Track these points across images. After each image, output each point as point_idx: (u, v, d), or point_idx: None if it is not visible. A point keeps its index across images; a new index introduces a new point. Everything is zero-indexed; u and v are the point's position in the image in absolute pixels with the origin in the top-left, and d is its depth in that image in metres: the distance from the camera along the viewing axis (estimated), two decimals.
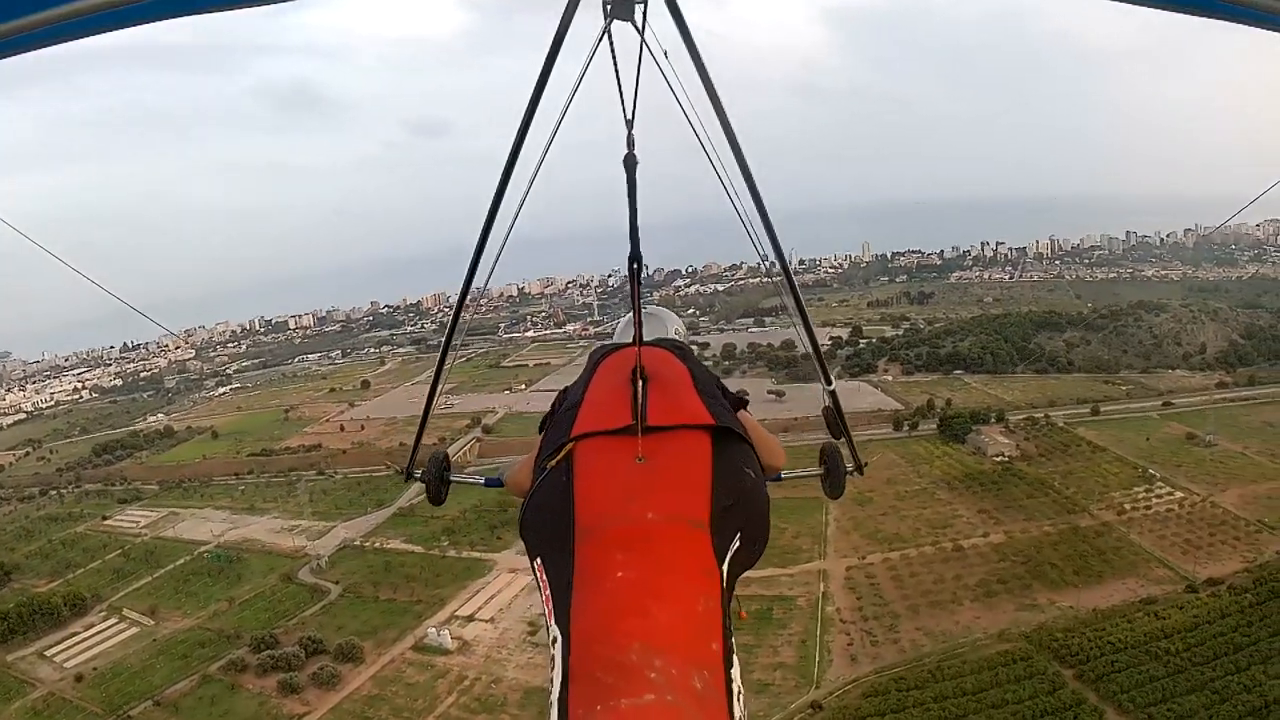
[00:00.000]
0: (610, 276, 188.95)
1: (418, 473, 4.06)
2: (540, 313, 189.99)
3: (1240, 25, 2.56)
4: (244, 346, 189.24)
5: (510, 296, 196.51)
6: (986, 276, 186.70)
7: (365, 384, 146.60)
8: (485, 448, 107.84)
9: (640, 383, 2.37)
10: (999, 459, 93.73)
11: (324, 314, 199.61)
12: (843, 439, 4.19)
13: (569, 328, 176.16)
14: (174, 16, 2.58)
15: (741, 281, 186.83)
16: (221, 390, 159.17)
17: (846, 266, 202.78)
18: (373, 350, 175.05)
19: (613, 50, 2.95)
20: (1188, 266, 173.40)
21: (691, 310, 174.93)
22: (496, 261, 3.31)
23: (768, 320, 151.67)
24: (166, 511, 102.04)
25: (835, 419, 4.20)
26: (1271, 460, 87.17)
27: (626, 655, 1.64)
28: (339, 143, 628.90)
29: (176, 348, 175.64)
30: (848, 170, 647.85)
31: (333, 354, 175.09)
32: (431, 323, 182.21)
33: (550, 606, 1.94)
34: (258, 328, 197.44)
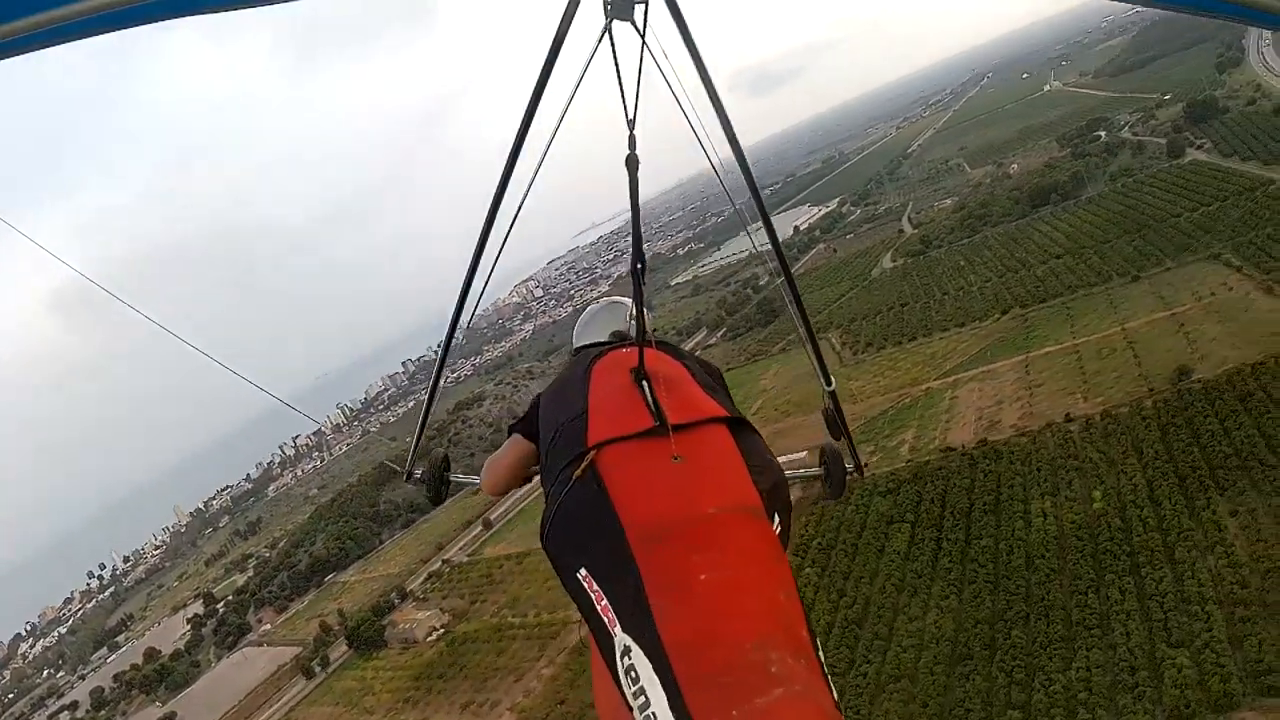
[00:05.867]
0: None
1: (418, 472, 4.05)
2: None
3: (1237, 26, 2.03)
4: None
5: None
6: (300, 472, 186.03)
7: None
8: None
9: (647, 382, 2.30)
10: (437, 632, 78.65)
11: None
12: (843, 439, 4.18)
13: None
14: (174, 17, 2.59)
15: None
16: None
17: (170, 540, 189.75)
18: None
19: (614, 51, 2.81)
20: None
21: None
22: (497, 261, 3.35)
23: None
24: None
25: (835, 419, 4.21)
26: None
27: (743, 655, 1.62)
28: None
29: None
30: (122, 453, 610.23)
31: None
32: None
33: (611, 615, 1.86)
34: None
